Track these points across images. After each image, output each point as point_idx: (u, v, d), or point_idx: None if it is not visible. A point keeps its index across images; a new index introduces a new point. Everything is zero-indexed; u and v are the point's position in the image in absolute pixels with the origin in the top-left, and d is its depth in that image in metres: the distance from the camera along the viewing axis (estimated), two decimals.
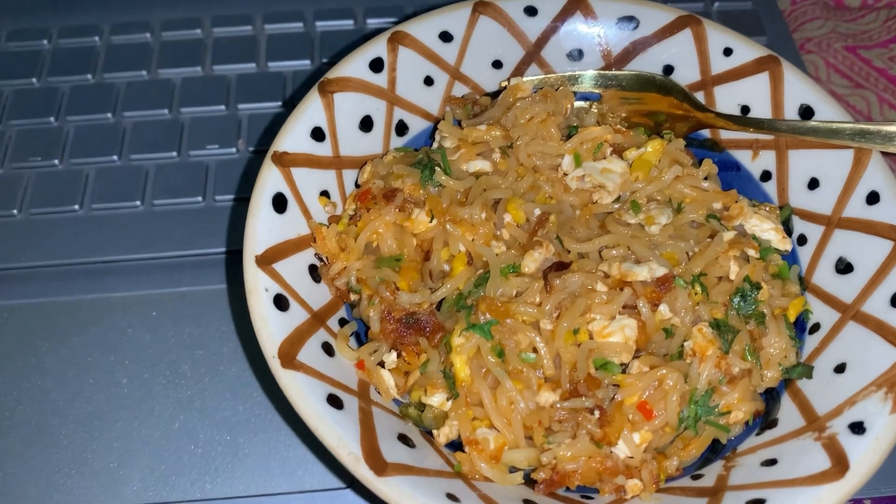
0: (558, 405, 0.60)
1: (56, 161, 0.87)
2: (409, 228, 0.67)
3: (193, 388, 0.73)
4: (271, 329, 0.58)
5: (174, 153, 0.87)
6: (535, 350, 0.61)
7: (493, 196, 0.67)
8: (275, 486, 0.68)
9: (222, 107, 0.91)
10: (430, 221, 0.67)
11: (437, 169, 0.69)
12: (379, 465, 0.54)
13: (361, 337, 0.67)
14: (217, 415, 0.72)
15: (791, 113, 0.72)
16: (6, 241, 0.82)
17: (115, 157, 0.87)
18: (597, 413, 0.59)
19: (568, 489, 0.60)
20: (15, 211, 0.83)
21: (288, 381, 0.56)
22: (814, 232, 0.69)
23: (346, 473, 0.68)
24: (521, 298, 0.62)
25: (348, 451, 0.54)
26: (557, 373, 0.61)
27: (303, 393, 0.56)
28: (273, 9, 1.00)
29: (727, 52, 0.75)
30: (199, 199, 0.84)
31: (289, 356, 0.57)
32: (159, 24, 0.98)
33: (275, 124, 0.89)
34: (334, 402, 0.57)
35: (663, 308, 0.62)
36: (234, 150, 0.87)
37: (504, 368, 0.60)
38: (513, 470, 0.61)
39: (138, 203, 0.84)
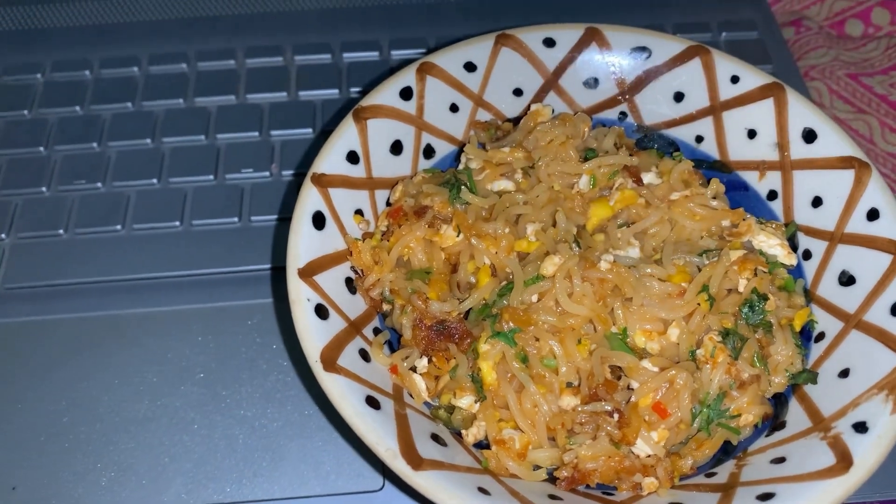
0: (580, 409, 0.63)
1: (99, 184, 0.91)
2: (438, 243, 0.70)
3: (232, 398, 0.76)
4: (313, 336, 0.62)
5: (211, 176, 0.91)
6: (554, 356, 0.64)
7: (514, 212, 0.71)
8: (310, 489, 0.71)
9: (256, 133, 0.95)
10: (458, 236, 0.70)
11: (464, 188, 0.72)
12: (415, 461, 0.57)
13: (394, 345, 0.71)
14: (255, 421, 0.75)
15: (795, 136, 0.75)
16: (53, 259, 0.85)
17: (154, 181, 0.91)
18: (616, 416, 0.63)
19: (588, 486, 0.63)
20: (61, 231, 0.87)
21: (330, 383, 0.60)
22: (818, 247, 0.72)
23: (377, 477, 0.72)
24: (541, 304, 0.65)
25: (386, 447, 0.57)
26: (578, 378, 0.65)
27: (344, 394, 0.59)
28: (302, 41, 1.04)
29: (734, 79, 0.78)
30: (236, 219, 0.88)
31: (330, 361, 0.61)
32: (195, 55, 1.03)
33: (307, 150, 0.93)
34: (372, 403, 0.60)
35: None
36: (267, 173, 0.91)
37: (528, 373, 0.64)
38: (537, 467, 0.64)
39: (177, 223, 0.87)
